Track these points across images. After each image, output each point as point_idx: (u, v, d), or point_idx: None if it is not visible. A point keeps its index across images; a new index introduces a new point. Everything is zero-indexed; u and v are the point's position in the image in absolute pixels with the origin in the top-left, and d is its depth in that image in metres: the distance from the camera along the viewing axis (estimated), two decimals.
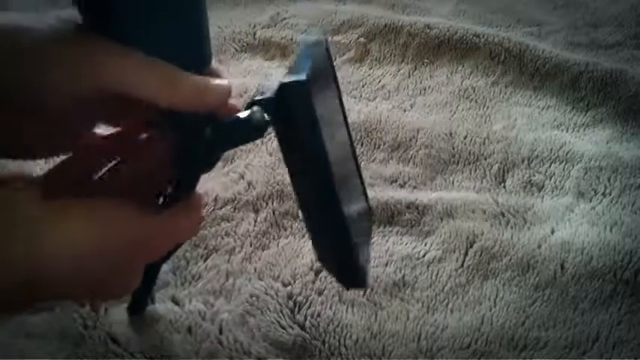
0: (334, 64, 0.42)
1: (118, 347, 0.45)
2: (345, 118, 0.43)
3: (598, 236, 0.54)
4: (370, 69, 0.78)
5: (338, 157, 0.37)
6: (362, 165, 0.64)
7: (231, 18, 0.88)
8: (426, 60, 0.78)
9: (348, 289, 0.44)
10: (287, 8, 0.89)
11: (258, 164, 0.62)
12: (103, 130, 0.37)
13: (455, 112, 0.71)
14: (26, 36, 0.30)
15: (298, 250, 0.54)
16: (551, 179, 0.62)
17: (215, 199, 0.58)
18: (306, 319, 0.48)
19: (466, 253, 0.54)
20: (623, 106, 0.71)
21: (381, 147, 0.66)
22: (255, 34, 0.84)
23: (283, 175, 0.61)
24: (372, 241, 0.55)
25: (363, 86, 0.75)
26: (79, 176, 0.35)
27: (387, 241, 0.55)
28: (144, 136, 0.37)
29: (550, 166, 0.63)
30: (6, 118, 0.31)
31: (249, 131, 0.33)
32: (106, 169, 0.36)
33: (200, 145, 0.33)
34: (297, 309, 0.49)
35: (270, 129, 0.33)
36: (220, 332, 0.47)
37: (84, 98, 0.30)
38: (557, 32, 0.86)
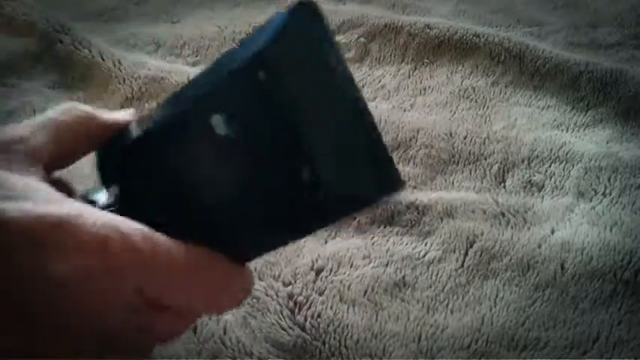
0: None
1: None
2: None
3: (598, 236, 0.54)
4: (370, 69, 0.78)
5: None
6: None
7: (231, 18, 0.88)
8: (426, 60, 0.78)
9: (383, 195, 0.29)
10: None
11: None
12: None
13: (455, 112, 0.71)
14: None
15: (299, 249, 0.54)
16: (551, 179, 0.62)
17: None
18: (306, 319, 0.48)
19: (466, 253, 0.54)
20: (623, 106, 0.71)
21: None
22: None
23: None
24: (373, 241, 0.56)
25: (363, 86, 0.75)
26: None
27: (387, 241, 0.55)
28: None
29: (550, 166, 0.63)
30: None
31: None
32: None
33: None
34: (297, 309, 0.49)
35: None
36: (224, 333, 0.47)
37: None
38: (557, 32, 0.86)
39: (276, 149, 0.25)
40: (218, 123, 0.25)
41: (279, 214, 0.26)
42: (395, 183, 0.26)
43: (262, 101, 0.24)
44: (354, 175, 0.25)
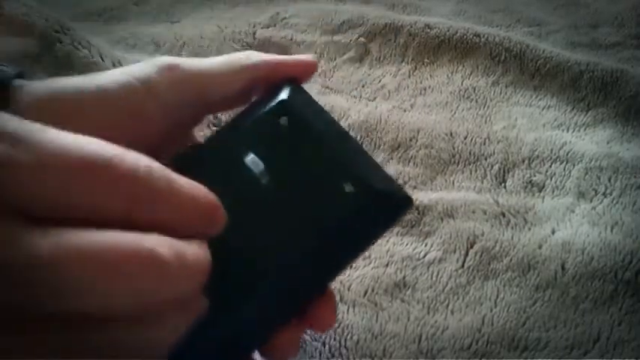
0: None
1: None
2: None
3: (599, 236, 0.54)
4: (370, 69, 0.78)
5: None
6: None
7: (231, 18, 0.87)
8: (426, 60, 0.78)
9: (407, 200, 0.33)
10: (287, 8, 0.89)
11: None
12: None
13: (455, 112, 0.70)
14: None
15: None
16: (551, 179, 0.62)
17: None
18: None
19: (466, 254, 0.54)
20: (623, 106, 0.71)
21: (381, 147, 0.66)
22: (255, 34, 0.84)
23: None
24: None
25: (363, 86, 0.75)
26: None
27: (387, 241, 0.55)
28: None
29: (551, 166, 0.63)
30: None
31: None
32: None
33: None
34: None
35: None
36: None
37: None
38: (558, 32, 0.86)
39: (316, 175, 0.28)
40: (254, 161, 0.28)
41: (332, 237, 0.28)
42: (407, 194, 0.30)
43: (290, 140, 0.28)
44: (383, 180, 0.29)
